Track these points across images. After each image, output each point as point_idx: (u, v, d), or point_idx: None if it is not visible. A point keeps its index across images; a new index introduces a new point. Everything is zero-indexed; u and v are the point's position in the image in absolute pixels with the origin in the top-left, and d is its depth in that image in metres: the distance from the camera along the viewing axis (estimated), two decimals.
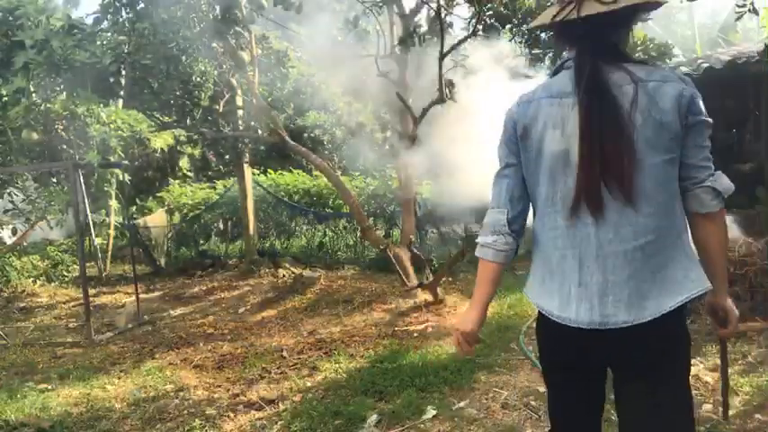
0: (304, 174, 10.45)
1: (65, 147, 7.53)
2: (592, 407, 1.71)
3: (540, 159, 1.55)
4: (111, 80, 6.52)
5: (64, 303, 7.66)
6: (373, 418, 3.26)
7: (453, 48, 6.41)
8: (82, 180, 7.72)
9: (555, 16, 1.50)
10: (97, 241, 9.39)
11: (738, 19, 4.43)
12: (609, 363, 1.59)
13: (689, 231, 1.56)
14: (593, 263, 1.49)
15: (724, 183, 1.52)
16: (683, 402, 1.55)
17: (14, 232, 9.22)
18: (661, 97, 1.44)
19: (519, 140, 1.59)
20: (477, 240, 1.69)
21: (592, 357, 1.57)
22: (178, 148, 10.79)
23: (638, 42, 7.59)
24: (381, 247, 6.13)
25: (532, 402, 3.37)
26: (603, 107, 1.45)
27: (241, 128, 8.14)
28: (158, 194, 11.37)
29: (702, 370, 3.62)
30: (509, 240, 1.63)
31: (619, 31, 1.55)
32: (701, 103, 1.47)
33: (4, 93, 6.55)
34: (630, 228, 1.46)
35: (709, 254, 1.56)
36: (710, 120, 1.49)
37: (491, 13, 7.27)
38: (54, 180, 8.24)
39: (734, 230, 4.35)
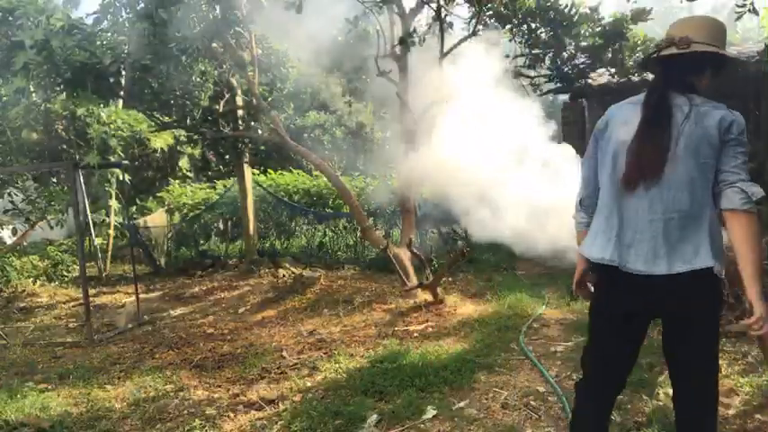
0: (304, 174, 10.46)
1: (65, 147, 7.54)
2: (625, 352, 2.16)
3: (609, 146, 2.10)
4: (111, 80, 6.51)
5: (64, 303, 7.66)
6: (373, 418, 3.26)
7: (453, 48, 6.42)
8: (82, 180, 7.73)
9: (650, 55, 2.13)
10: (97, 241, 9.39)
11: (738, 19, 4.43)
12: (644, 307, 2.07)
13: (713, 222, 1.98)
14: (628, 224, 2.04)
15: (753, 188, 1.92)
16: (702, 353, 2.06)
17: (14, 232, 9.23)
18: (708, 118, 1.97)
19: (600, 133, 2.16)
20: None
21: (629, 300, 2.06)
22: (178, 148, 10.82)
23: (639, 42, 7.58)
24: (381, 247, 6.13)
25: (532, 402, 3.37)
26: (656, 118, 2.01)
27: (241, 128, 8.14)
28: (158, 194, 11.39)
29: None
30: (582, 214, 2.28)
31: (691, 71, 2.08)
32: (737, 127, 1.96)
33: (3, 93, 6.56)
34: (661, 205, 1.98)
35: (736, 249, 1.92)
36: (745, 140, 1.98)
37: (491, 13, 7.28)
38: (54, 180, 8.25)
39: None
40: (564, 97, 10.29)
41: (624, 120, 2.08)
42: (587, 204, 2.24)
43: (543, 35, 7.65)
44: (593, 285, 2.24)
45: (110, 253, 9.87)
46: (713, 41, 2.02)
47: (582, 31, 7.57)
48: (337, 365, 4.26)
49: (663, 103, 2.01)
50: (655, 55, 2.09)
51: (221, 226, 10.70)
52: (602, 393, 2.22)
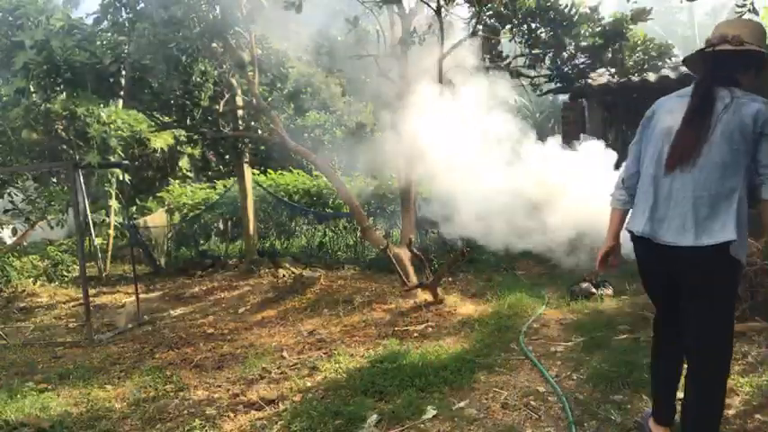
0: (304, 174, 10.44)
1: (65, 147, 7.54)
2: (671, 301, 2.54)
3: (653, 132, 2.44)
4: (111, 80, 6.51)
5: (64, 303, 7.66)
6: (373, 418, 3.26)
7: (453, 48, 6.42)
8: (82, 180, 7.73)
9: (703, 49, 2.36)
10: (97, 241, 9.39)
11: None
12: (671, 277, 2.43)
13: (741, 204, 2.24)
14: (662, 201, 2.35)
15: None
16: (717, 317, 2.32)
17: (14, 232, 9.23)
18: (746, 110, 2.20)
19: (647, 121, 2.51)
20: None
21: (659, 270, 2.49)
22: (178, 148, 10.81)
23: (639, 42, 7.58)
24: (381, 247, 6.13)
25: (532, 402, 3.37)
26: (701, 107, 2.27)
27: (241, 128, 8.14)
28: (158, 194, 11.38)
29: None
30: (621, 192, 2.61)
31: (739, 68, 2.31)
32: None
33: (3, 93, 6.56)
34: (692, 184, 2.26)
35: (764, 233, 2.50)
36: None
37: (491, 13, 7.28)
38: (54, 180, 8.25)
39: None
40: (564, 97, 10.29)
41: (670, 109, 2.41)
42: (628, 185, 2.57)
43: (543, 35, 7.65)
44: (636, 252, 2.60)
45: (110, 253, 9.87)
46: (759, 44, 2.29)
47: (582, 31, 7.57)
48: (337, 365, 4.26)
49: (708, 95, 2.28)
50: (709, 49, 2.33)
51: (221, 226, 10.70)
52: (668, 322, 2.64)
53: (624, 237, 2.68)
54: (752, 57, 2.29)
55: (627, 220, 2.58)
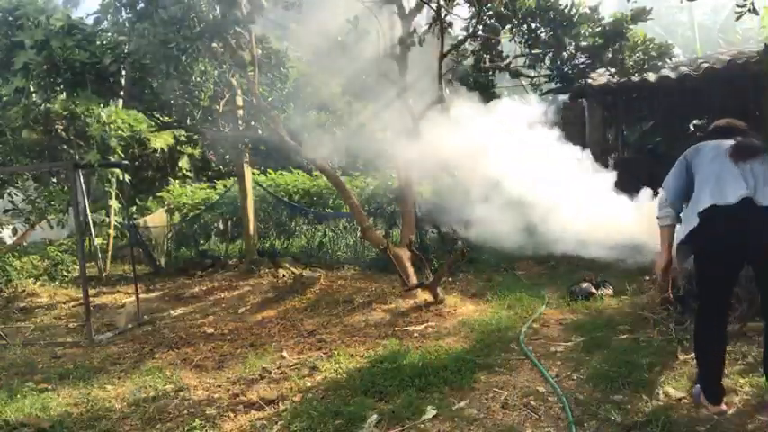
0: (304, 174, 10.44)
1: (65, 147, 7.54)
2: (729, 281, 3.02)
3: (704, 164, 3.10)
4: (111, 80, 6.50)
5: (64, 303, 7.66)
6: (373, 418, 3.26)
7: (453, 48, 6.41)
8: (82, 180, 7.73)
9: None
10: (97, 241, 9.39)
11: (738, 19, 4.43)
12: (739, 240, 2.87)
13: None
14: (725, 182, 2.95)
15: None
16: None
17: (14, 232, 9.23)
18: None
19: (690, 162, 3.17)
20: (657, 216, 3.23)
21: (726, 236, 2.89)
22: (178, 148, 10.80)
23: (638, 42, 7.57)
24: (381, 247, 6.13)
25: (532, 402, 3.37)
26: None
27: (241, 128, 8.13)
28: (158, 194, 11.37)
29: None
30: (669, 210, 3.18)
31: None
32: None
33: (4, 93, 6.55)
34: (752, 173, 2.94)
35: None
36: None
37: (491, 13, 7.27)
38: (54, 180, 8.25)
39: None
40: (564, 97, 10.29)
41: (713, 148, 3.14)
42: (677, 208, 3.17)
43: (543, 35, 7.63)
44: (694, 248, 3.06)
45: (110, 253, 9.86)
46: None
47: (582, 31, 7.55)
48: (337, 365, 4.26)
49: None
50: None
51: (221, 226, 10.69)
52: (716, 312, 3.02)
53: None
54: None
55: (680, 230, 3.11)
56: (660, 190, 3.30)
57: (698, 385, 3.16)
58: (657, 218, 3.21)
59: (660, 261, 3.21)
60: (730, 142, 3.11)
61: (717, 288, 3.03)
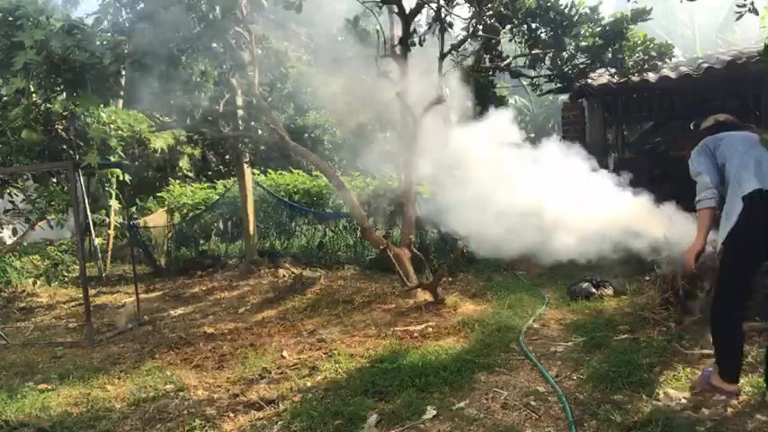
0: (304, 174, 10.44)
1: (65, 147, 7.53)
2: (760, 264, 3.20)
3: (738, 152, 3.18)
4: (111, 80, 6.50)
5: (64, 303, 7.67)
6: (373, 418, 3.26)
7: (453, 48, 6.41)
8: (82, 180, 7.72)
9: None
10: (97, 241, 9.39)
11: (738, 19, 4.42)
12: None
13: None
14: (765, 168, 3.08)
15: None
16: None
17: (14, 232, 9.22)
18: None
19: (715, 151, 3.26)
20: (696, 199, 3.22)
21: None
22: (178, 148, 10.80)
23: (638, 42, 7.57)
24: (381, 247, 6.13)
25: (532, 402, 3.37)
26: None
27: (241, 128, 8.14)
28: (158, 194, 11.37)
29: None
30: (713, 191, 3.16)
31: None
32: None
33: (4, 93, 6.55)
34: None
35: None
36: None
37: (491, 13, 7.27)
38: (54, 180, 8.24)
39: None
40: (564, 97, 10.28)
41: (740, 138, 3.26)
42: (721, 190, 3.18)
43: (543, 35, 7.64)
44: (733, 234, 3.05)
45: (110, 253, 9.87)
46: None
47: (582, 31, 7.56)
48: (337, 365, 4.26)
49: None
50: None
51: (221, 226, 10.70)
52: (742, 295, 3.14)
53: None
54: None
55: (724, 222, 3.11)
56: (696, 176, 3.27)
57: (709, 369, 3.27)
58: (698, 201, 3.21)
59: (694, 245, 3.22)
60: (754, 135, 3.25)
61: (750, 271, 3.10)
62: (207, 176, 12.59)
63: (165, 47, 6.09)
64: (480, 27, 6.82)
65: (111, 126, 7.84)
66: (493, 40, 7.40)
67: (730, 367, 3.13)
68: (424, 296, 5.93)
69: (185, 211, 10.52)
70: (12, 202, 8.40)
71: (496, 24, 7.31)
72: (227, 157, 9.77)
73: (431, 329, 5.06)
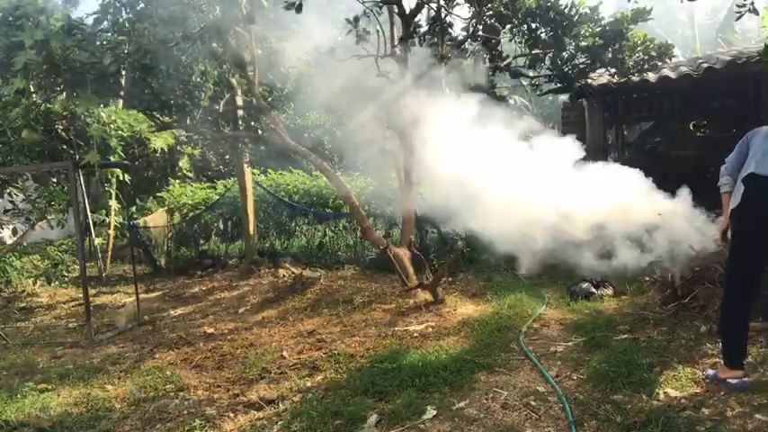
0: (304, 174, 10.44)
1: (65, 147, 7.53)
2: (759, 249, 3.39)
3: (758, 142, 3.47)
4: (111, 80, 6.51)
5: (64, 303, 7.67)
6: (373, 418, 3.26)
7: (453, 48, 6.41)
8: (82, 180, 7.73)
9: None
10: (97, 241, 9.39)
11: (738, 19, 4.43)
12: None
13: None
14: None
15: None
16: None
17: (14, 232, 9.22)
18: None
19: (749, 141, 3.55)
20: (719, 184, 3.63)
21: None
22: (178, 148, 10.79)
23: (639, 42, 7.57)
24: (381, 247, 6.13)
25: (532, 402, 3.37)
26: None
27: (241, 128, 8.14)
28: (158, 194, 11.38)
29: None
30: (729, 178, 3.57)
31: None
32: None
33: (4, 93, 6.55)
34: None
35: None
36: None
37: (491, 13, 7.27)
38: (54, 180, 8.24)
39: None
40: (564, 97, 10.28)
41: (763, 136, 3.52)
42: (735, 177, 3.52)
43: (543, 35, 7.64)
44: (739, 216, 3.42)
45: (110, 253, 9.87)
46: None
47: (582, 31, 7.56)
48: (337, 365, 4.26)
49: None
50: None
51: (221, 226, 10.70)
52: (746, 281, 3.43)
53: None
54: None
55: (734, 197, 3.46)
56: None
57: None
58: (719, 186, 3.65)
59: (723, 224, 3.67)
60: None
61: (755, 242, 3.37)
62: (207, 176, 12.60)
63: (165, 47, 6.10)
64: (480, 27, 6.82)
65: (111, 126, 7.84)
66: (493, 40, 7.40)
67: (735, 352, 3.40)
68: (424, 296, 5.93)
69: (185, 211, 10.52)
70: (12, 202, 8.40)
71: (496, 24, 7.31)
72: (227, 157, 9.77)
73: (431, 329, 5.06)
